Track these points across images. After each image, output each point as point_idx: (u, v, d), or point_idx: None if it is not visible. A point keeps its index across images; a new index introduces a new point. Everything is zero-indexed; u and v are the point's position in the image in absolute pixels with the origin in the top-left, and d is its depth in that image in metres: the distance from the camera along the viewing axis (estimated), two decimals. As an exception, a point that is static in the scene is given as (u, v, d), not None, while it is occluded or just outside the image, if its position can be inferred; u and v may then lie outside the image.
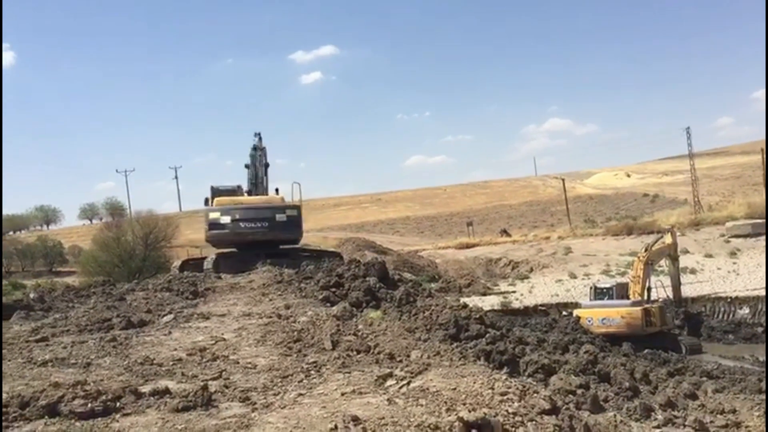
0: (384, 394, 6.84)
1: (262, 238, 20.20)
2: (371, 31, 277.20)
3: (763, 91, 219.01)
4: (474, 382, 7.01)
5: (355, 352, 9.24)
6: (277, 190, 21.84)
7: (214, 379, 7.77)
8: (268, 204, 20.43)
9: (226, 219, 19.42)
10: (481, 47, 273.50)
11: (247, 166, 21.96)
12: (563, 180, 78.67)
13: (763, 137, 76.91)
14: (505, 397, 6.49)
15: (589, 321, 23.36)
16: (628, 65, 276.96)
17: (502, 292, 34.47)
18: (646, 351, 19.37)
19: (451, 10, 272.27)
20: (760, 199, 44.27)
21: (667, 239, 28.01)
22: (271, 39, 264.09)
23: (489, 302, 30.17)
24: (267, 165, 22.28)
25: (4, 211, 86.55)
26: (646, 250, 26.44)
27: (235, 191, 21.22)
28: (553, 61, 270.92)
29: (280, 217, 19.88)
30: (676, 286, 28.41)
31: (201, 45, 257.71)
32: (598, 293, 25.17)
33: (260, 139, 22.94)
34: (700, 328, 26.70)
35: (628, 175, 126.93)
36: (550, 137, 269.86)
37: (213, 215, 19.41)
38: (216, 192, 21.10)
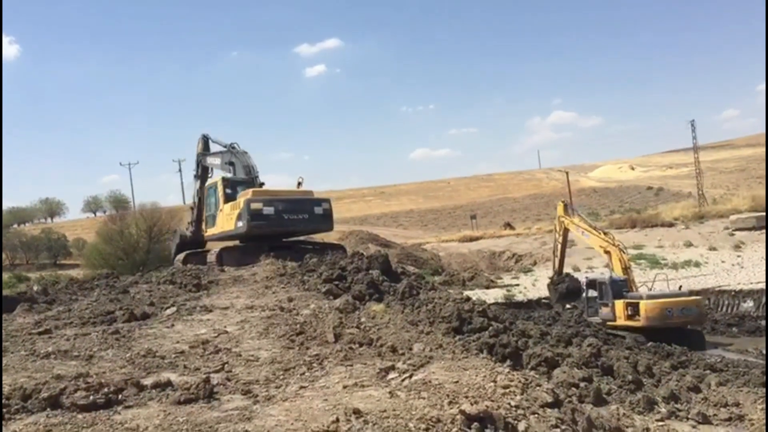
0: (386, 387, 6.83)
1: (302, 230, 20.79)
2: (375, 24, 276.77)
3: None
4: (476, 375, 6.99)
5: (357, 345, 9.23)
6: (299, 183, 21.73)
7: (216, 371, 7.78)
8: (306, 197, 20.67)
9: (269, 210, 19.33)
10: (485, 40, 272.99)
11: (231, 164, 21.71)
12: (567, 173, 78.53)
13: (769, 130, 76.59)
14: (507, 390, 6.48)
15: (669, 312, 21.92)
16: (633, 58, 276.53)
17: (505, 285, 34.38)
18: (650, 344, 19.28)
19: (456, 2, 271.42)
20: (764, 192, 44.12)
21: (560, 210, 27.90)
22: (276, 32, 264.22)
23: (492, 295, 30.13)
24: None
25: (9, 204, 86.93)
26: (605, 233, 25.75)
27: (250, 183, 21.20)
28: (558, 54, 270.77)
29: (317, 209, 20.23)
30: (563, 258, 28.50)
31: (206, 38, 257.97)
32: (621, 286, 23.46)
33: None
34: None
35: (632, 168, 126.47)
36: (554, 130, 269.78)
37: (255, 206, 19.24)
38: (233, 183, 21.03)
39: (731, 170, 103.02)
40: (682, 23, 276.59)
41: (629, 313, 22.32)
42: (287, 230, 20.32)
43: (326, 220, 20.50)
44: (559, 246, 28.47)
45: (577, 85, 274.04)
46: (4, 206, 76.27)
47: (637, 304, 22.13)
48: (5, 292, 22.34)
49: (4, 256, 56.61)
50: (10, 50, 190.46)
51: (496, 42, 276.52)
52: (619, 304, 22.66)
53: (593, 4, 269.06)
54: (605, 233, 26.09)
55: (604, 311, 23.27)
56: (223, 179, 21.18)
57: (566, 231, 27.97)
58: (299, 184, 21.47)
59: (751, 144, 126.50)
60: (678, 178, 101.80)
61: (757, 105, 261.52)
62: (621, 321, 22.36)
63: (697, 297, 23.18)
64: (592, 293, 24.67)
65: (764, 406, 9.85)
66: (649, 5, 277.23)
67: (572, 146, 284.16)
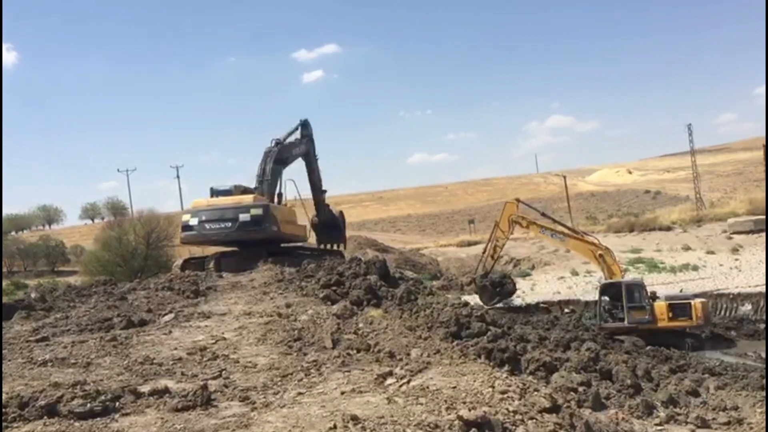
0: (384, 393, 6.81)
1: (227, 239, 20.27)
2: (373, 29, 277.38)
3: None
4: (474, 381, 6.98)
5: (355, 351, 9.21)
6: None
7: (213, 378, 7.76)
8: (233, 204, 20.19)
9: (194, 221, 19.74)
10: (483, 44, 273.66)
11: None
12: (565, 177, 78.54)
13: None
14: (505, 396, 6.46)
15: (711, 312, 23.24)
16: (629, 62, 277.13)
17: (503, 290, 34.28)
18: (648, 348, 19.27)
19: (453, 7, 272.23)
20: (761, 196, 44.15)
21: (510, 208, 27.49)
22: (274, 38, 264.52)
23: (491, 300, 30.05)
24: (285, 160, 22.12)
25: (7, 211, 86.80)
26: (585, 235, 25.39)
27: (231, 191, 21.04)
28: (556, 58, 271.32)
29: (243, 216, 19.59)
30: (497, 257, 28.39)
31: (203, 44, 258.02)
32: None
33: (304, 126, 23.27)
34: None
35: (630, 172, 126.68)
36: (552, 134, 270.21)
37: (184, 217, 20.04)
38: (213, 193, 21.15)
39: (728, 174, 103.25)
40: (680, 27, 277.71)
41: (673, 314, 22.18)
42: (212, 239, 20.28)
43: (256, 227, 19.68)
44: (498, 247, 27.82)
45: (574, 89, 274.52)
46: (3, 213, 76.11)
47: (689, 304, 22.23)
48: (3, 299, 22.27)
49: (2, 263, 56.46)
50: (8, 57, 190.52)
51: (493, 47, 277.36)
52: (661, 305, 22.46)
53: (590, 8, 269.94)
54: (584, 234, 25.62)
55: (637, 315, 22.56)
56: (211, 189, 21.37)
57: (511, 231, 27.53)
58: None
59: (748, 147, 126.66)
60: (675, 182, 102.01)
61: (754, 109, 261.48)
62: (664, 323, 22.18)
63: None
64: (604, 298, 24.10)
65: (763, 409, 9.85)
66: (646, 9, 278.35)
67: (570, 150, 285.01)
